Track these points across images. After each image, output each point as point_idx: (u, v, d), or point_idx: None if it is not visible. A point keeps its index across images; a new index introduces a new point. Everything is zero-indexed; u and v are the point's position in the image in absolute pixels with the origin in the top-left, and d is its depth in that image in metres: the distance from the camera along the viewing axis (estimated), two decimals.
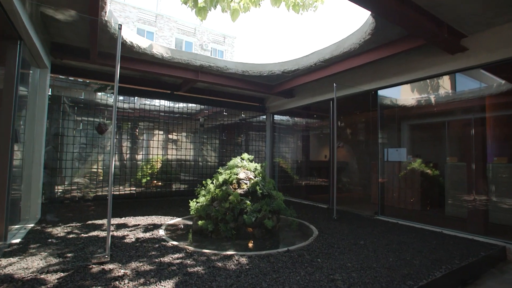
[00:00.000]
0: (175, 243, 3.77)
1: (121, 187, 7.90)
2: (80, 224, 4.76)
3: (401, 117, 7.45)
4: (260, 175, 4.70)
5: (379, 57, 5.13)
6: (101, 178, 8.24)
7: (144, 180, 9.36)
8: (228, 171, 4.55)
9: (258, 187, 4.38)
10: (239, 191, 4.36)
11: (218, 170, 4.92)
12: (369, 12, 4.36)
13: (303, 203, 7.79)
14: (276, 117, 9.83)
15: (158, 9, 27.97)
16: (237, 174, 4.56)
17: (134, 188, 8.07)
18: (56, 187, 6.95)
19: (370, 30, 4.60)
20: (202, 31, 29.14)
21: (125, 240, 3.86)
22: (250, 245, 3.88)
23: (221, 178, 4.44)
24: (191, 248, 3.56)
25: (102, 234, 4.15)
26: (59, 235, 4.05)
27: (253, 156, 5.07)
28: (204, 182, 4.78)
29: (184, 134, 9.77)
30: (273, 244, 3.92)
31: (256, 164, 4.87)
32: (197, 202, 4.60)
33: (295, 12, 6.44)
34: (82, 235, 4.07)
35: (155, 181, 9.28)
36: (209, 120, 9.31)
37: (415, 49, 4.85)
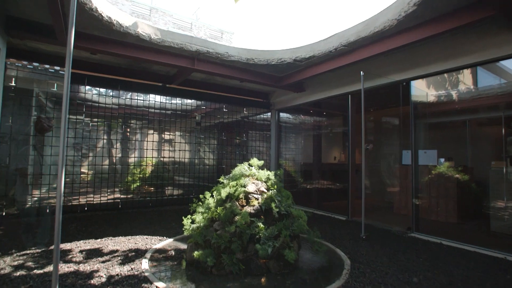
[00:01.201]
0: (161, 286, 2.69)
1: (103, 196, 6.78)
2: (39, 251, 3.65)
3: (429, 113, 6.42)
4: (275, 187, 3.63)
5: (423, 36, 4.08)
6: (88, 180, 7.14)
7: (133, 186, 8.28)
8: (234, 183, 3.47)
9: (273, 204, 3.30)
10: (248, 209, 3.29)
11: (220, 179, 3.84)
12: None
13: (316, 214, 6.73)
14: (283, 114, 8.76)
15: (152, 2, 26.73)
16: (244, 186, 3.48)
17: (121, 196, 6.95)
18: (31, 195, 5.85)
19: None
20: (199, 26, 27.98)
21: (91, 281, 2.77)
22: (265, 284, 2.81)
23: (224, 192, 3.36)
24: None
25: (64, 268, 3.04)
26: None
27: (263, 162, 3.99)
28: (201, 196, 3.69)
29: (178, 133, 8.68)
30: (297, 284, 2.86)
31: (268, 172, 3.79)
32: (192, 221, 3.53)
33: None
34: (32, 271, 2.96)
35: (146, 187, 8.19)
36: (206, 118, 8.21)
37: (466, 28, 3.81)
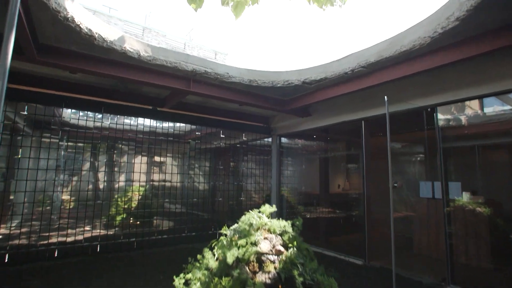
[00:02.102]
0: None
1: (80, 234, 5.79)
2: None
3: (454, 139, 5.82)
4: (294, 243, 2.82)
5: (460, 57, 3.50)
6: (67, 210, 6.20)
7: (117, 219, 7.31)
8: (243, 241, 2.65)
9: (295, 272, 2.49)
10: (262, 277, 2.46)
11: (222, 230, 3.02)
12: None
13: (326, 255, 5.87)
14: (285, 140, 8.06)
15: (146, 22, 26.49)
16: (256, 244, 2.67)
17: (101, 233, 5.96)
18: None
19: (464, 11, 2.95)
20: (192, 46, 27.84)
21: None
22: None
23: (230, 255, 2.53)
24: None
25: None
26: None
27: (275, 207, 3.20)
28: (199, 256, 2.84)
29: (170, 159, 7.85)
30: None
31: (283, 222, 3.00)
32: (186, 281, 2.68)
33: (318, 5, 4.80)
34: None
35: (132, 220, 7.23)
36: (202, 143, 7.43)
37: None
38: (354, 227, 6.34)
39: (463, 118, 5.54)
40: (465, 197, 5.25)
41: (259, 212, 3.08)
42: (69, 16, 3.21)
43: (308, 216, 7.77)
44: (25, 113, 5.11)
